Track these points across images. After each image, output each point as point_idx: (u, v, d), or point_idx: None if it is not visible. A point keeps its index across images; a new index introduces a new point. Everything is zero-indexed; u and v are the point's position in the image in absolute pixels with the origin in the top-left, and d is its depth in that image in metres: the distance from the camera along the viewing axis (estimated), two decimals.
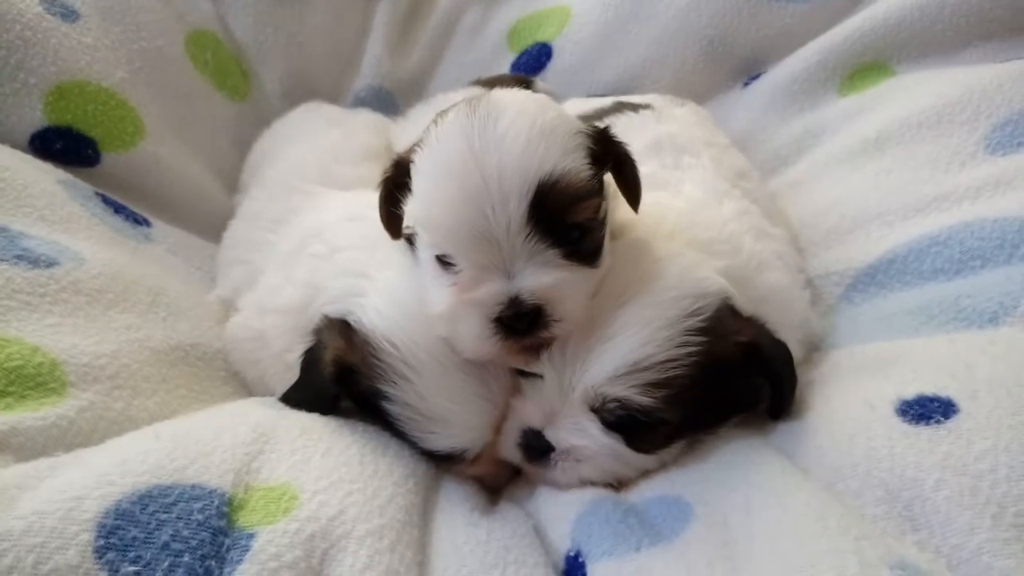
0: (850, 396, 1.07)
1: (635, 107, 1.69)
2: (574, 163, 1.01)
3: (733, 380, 1.08)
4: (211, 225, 1.70)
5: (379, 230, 1.18)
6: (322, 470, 0.99)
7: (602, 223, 1.07)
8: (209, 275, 1.56)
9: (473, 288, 0.99)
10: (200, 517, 0.87)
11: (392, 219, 1.15)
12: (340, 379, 1.11)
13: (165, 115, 1.68)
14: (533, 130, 0.99)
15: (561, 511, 1.06)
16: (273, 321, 1.28)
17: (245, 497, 0.93)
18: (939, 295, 1.25)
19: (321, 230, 1.30)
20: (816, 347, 1.32)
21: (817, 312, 1.39)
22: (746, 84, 1.97)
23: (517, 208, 0.96)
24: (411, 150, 1.09)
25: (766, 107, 1.88)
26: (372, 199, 1.18)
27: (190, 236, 1.63)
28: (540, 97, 1.11)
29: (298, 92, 1.99)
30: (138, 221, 1.52)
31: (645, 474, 1.11)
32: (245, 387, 1.35)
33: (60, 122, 1.49)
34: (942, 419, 0.96)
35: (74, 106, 1.51)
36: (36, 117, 1.47)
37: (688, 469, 1.06)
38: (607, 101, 1.76)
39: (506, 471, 1.19)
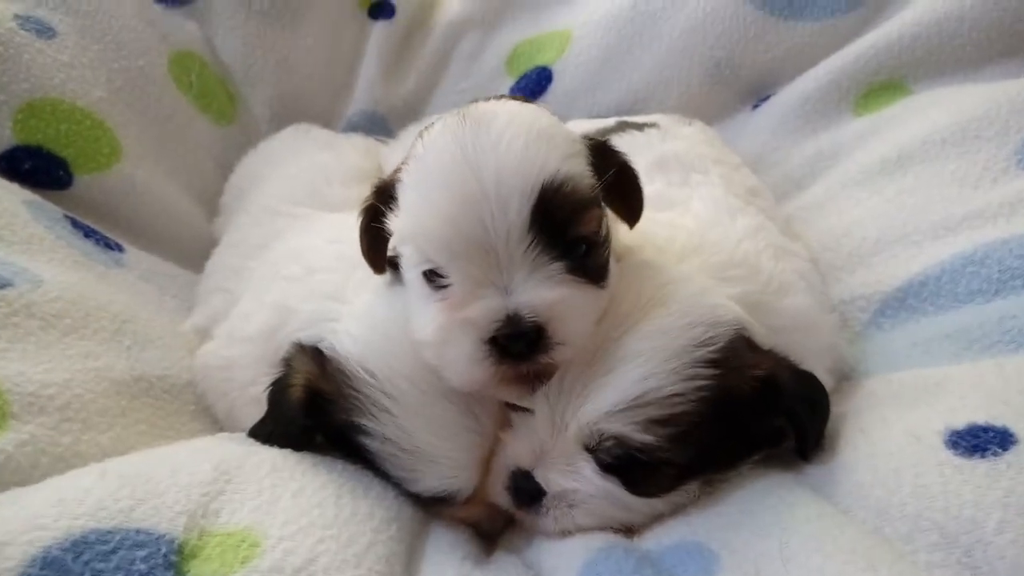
0: (891, 427, 0.95)
1: (639, 126, 1.61)
2: (577, 168, 0.92)
3: (748, 418, 0.96)
4: (190, 252, 1.60)
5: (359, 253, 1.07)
6: (291, 513, 0.87)
7: (606, 240, 0.97)
8: (185, 304, 1.45)
9: (466, 305, 0.88)
10: (143, 567, 0.75)
11: (374, 250, 1.05)
12: (311, 409, 1.00)
13: (144, 137, 1.59)
14: (531, 133, 0.90)
15: (565, 561, 0.93)
16: (240, 350, 1.17)
17: (199, 544, 0.80)
18: (979, 317, 1.14)
19: (300, 252, 1.20)
20: (846, 376, 1.20)
21: (844, 339, 1.28)
22: (755, 107, 1.89)
23: (519, 214, 0.86)
24: (395, 171, 0.99)
25: (776, 129, 1.79)
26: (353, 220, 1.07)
27: (166, 263, 1.53)
28: (531, 105, 1.02)
29: (288, 116, 1.90)
30: (109, 246, 1.42)
31: (659, 518, 0.98)
32: (217, 423, 1.22)
33: (29, 141, 1.40)
34: (999, 451, 0.85)
35: (45, 125, 1.42)
36: (4, 135, 1.38)
37: (710, 512, 0.93)
38: (610, 121, 1.68)
39: (501, 515, 1.06)
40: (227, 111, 1.85)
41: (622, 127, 1.61)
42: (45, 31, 1.49)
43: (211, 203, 1.73)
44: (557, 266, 0.89)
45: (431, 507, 1.04)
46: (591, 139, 1.01)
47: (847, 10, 1.82)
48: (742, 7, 1.86)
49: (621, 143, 1.48)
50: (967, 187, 1.37)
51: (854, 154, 1.62)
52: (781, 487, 0.93)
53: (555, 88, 1.99)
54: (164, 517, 0.81)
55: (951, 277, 1.23)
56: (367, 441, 0.97)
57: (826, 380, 1.07)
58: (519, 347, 0.88)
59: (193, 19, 1.84)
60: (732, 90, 1.90)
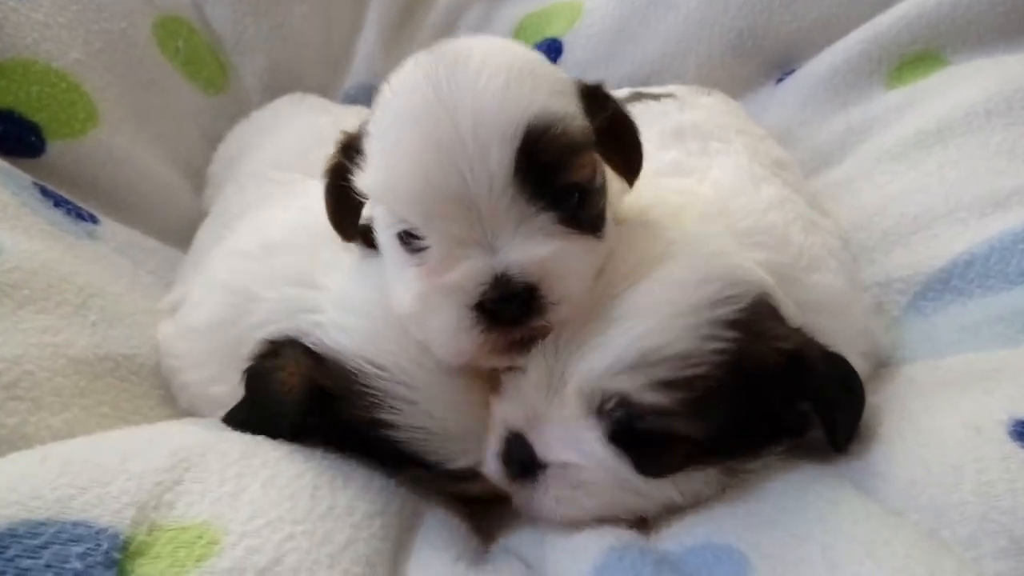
0: (943, 417, 0.83)
1: (655, 96, 1.49)
2: (566, 107, 0.81)
3: (772, 398, 0.84)
4: (173, 226, 1.49)
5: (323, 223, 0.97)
6: (259, 506, 0.76)
7: (602, 188, 0.86)
8: (163, 280, 1.34)
9: (448, 268, 0.78)
10: (78, 565, 0.65)
11: (342, 215, 0.94)
12: (311, 405, 0.89)
13: (124, 103, 1.48)
14: (512, 69, 0.79)
15: (573, 560, 0.81)
16: (190, 344, 1.05)
17: (148, 540, 0.70)
18: None
19: (260, 225, 1.09)
20: (883, 362, 1.08)
21: (880, 323, 1.16)
22: (779, 80, 1.77)
23: (500, 161, 0.75)
24: (362, 123, 0.88)
25: (804, 103, 1.67)
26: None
27: (145, 237, 1.42)
28: (512, 41, 0.91)
29: (281, 87, 1.79)
30: (82, 216, 1.31)
31: (679, 513, 0.86)
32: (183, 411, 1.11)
33: None
34: None
35: (16, 87, 1.32)
36: None
37: (739, 509, 0.81)
38: (623, 92, 1.56)
39: None
40: (217, 80, 1.74)
41: (636, 97, 1.49)
42: None
43: (197, 175, 1.62)
44: (547, 217, 0.79)
45: (459, 485, 0.95)
46: (582, 81, 0.89)
47: None
48: None
49: (634, 111, 1.40)
50: (1016, 159, 1.26)
51: (888, 128, 1.50)
52: (819, 482, 0.80)
53: (565, 61, 1.87)
54: (108, 508, 0.70)
55: (1001, 256, 1.12)
56: (392, 433, 0.88)
57: (860, 365, 0.95)
58: (510, 311, 0.78)
59: None
60: (755, 62, 1.78)
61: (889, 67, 1.61)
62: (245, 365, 0.93)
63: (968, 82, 1.45)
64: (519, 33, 1.96)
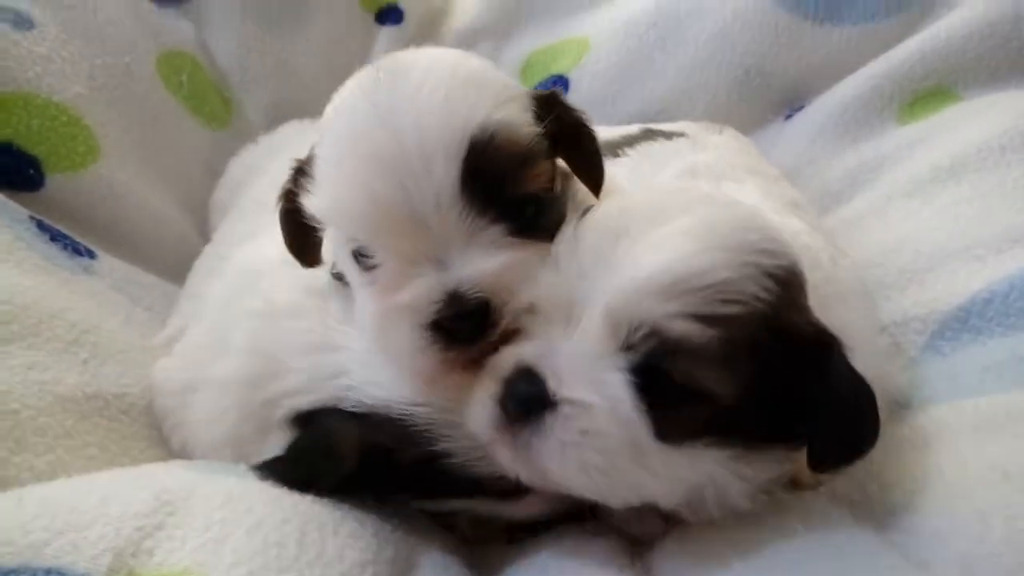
0: (969, 462, 0.79)
1: (667, 135, 1.47)
2: (512, 115, 0.79)
3: (792, 377, 0.76)
4: (174, 262, 1.47)
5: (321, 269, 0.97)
6: (243, 553, 0.72)
7: (562, 198, 0.85)
8: (160, 317, 1.31)
9: (399, 287, 0.77)
10: None
11: (299, 242, 0.93)
12: (367, 467, 0.87)
13: (126, 137, 1.47)
14: (455, 79, 0.78)
15: None
16: (209, 399, 1.01)
17: None
18: None
19: (257, 276, 1.05)
20: (901, 404, 1.04)
21: (897, 367, 1.12)
22: (788, 117, 1.75)
23: (445, 175, 0.74)
24: (312, 147, 0.87)
25: (813, 139, 1.65)
26: None
27: (144, 273, 1.40)
28: (457, 51, 0.90)
29: (286, 122, 1.78)
30: (79, 251, 1.29)
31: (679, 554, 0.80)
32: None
33: None
34: None
35: (16, 120, 1.31)
36: None
37: (749, 555, 0.76)
38: (633, 128, 1.54)
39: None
40: (221, 115, 1.74)
41: (649, 135, 1.47)
42: (23, 22, 1.38)
43: (199, 210, 1.61)
44: (497, 229, 0.77)
45: (525, 495, 0.90)
46: (535, 91, 0.88)
47: (888, 14, 1.68)
48: (773, 11, 1.73)
49: (648, 153, 1.38)
50: None
51: (901, 164, 1.47)
52: (838, 532, 0.76)
53: (571, 97, 1.83)
54: (84, 555, 0.66)
55: (1021, 293, 1.07)
56: (451, 462, 0.85)
57: None
58: (466, 329, 0.76)
59: (188, 19, 1.74)
60: (763, 100, 1.76)
61: (901, 103, 1.59)
62: (279, 432, 0.93)
63: (981, 117, 1.42)
64: (526, 70, 1.96)
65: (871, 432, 0.77)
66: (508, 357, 0.78)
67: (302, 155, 1.08)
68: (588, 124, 0.90)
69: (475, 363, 0.79)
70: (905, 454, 0.84)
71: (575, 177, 0.92)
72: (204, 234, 1.57)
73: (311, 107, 1.84)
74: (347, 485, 0.88)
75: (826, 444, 0.77)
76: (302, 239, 0.92)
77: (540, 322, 0.78)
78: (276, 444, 0.93)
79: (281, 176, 1.36)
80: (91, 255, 1.32)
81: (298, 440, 0.91)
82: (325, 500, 0.86)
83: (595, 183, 0.91)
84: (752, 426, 0.78)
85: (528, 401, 0.75)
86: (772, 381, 0.75)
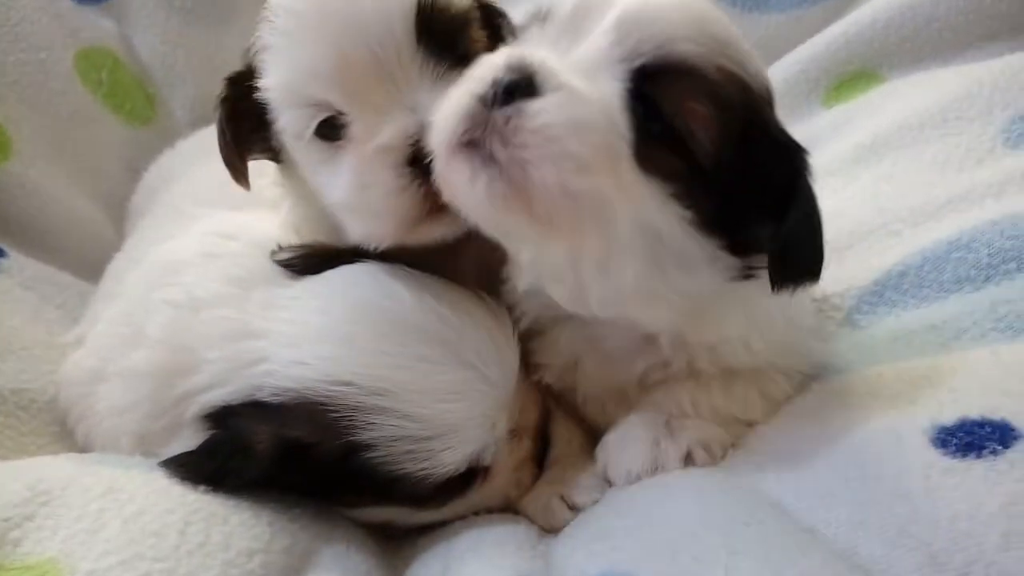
0: (867, 427, 0.78)
1: None
2: None
3: (769, 177, 0.76)
4: (91, 261, 1.41)
5: (246, 259, 0.97)
6: (116, 543, 0.69)
7: None
8: (72, 315, 1.27)
9: (375, 135, 0.84)
10: None
11: (236, 154, 0.97)
12: (285, 464, 0.84)
13: (41, 135, 1.44)
14: None
15: None
16: (118, 390, 0.97)
17: None
18: (968, 305, 0.98)
19: (177, 268, 1.02)
20: (813, 376, 1.03)
21: (815, 346, 1.11)
22: None
23: (404, 30, 0.84)
24: (248, 48, 0.93)
25: None
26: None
27: (58, 272, 1.35)
28: None
29: (212, 119, 1.74)
30: None
31: (582, 535, 0.79)
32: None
33: None
34: (999, 448, 0.68)
35: None
36: None
37: (643, 532, 0.74)
38: None
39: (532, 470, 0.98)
40: (143, 112, 1.70)
41: None
42: None
43: (119, 208, 1.56)
44: (457, 74, 0.81)
45: (449, 502, 0.92)
46: None
47: (815, 0, 1.70)
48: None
49: None
50: (950, 170, 1.23)
51: (827, 145, 1.48)
52: (729, 497, 0.75)
53: None
54: None
55: (934, 265, 1.08)
56: (373, 455, 0.83)
57: (781, 384, 0.93)
58: None
59: (110, 16, 1.70)
60: None
61: (827, 86, 1.60)
62: (190, 431, 0.89)
63: (904, 97, 1.44)
64: None
65: (822, 255, 0.79)
66: (498, 57, 0.74)
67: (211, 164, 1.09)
68: (507, 16, 0.99)
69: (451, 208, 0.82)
70: (802, 423, 0.84)
71: None
72: (123, 233, 1.53)
73: None
74: (261, 484, 0.85)
75: (789, 254, 0.76)
76: (236, 149, 0.97)
77: (548, 31, 0.78)
78: (185, 442, 0.90)
79: (197, 183, 1.35)
80: (1, 254, 1.28)
81: (210, 438, 0.87)
82: (225, 493, 0.83)
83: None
84: (717, 203, 0.75)
85: (515, 89, 0.70)
86: (750, 160, 0.75)
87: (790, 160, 0.78)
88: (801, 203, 0.76)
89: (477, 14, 0.92)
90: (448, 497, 0.91)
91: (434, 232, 0.88)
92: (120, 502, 0.75)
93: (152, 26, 1.72)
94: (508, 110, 0.70)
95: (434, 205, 0.84)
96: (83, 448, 1.01)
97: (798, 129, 1.56)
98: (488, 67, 0.73)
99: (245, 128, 0.96)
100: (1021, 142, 1.19)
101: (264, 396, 0.85)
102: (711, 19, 0.77)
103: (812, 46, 1.63)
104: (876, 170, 1.32)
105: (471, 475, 0.91)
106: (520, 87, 0.70)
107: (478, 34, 0.91)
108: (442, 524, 0.95)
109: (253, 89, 0.91)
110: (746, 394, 0.93)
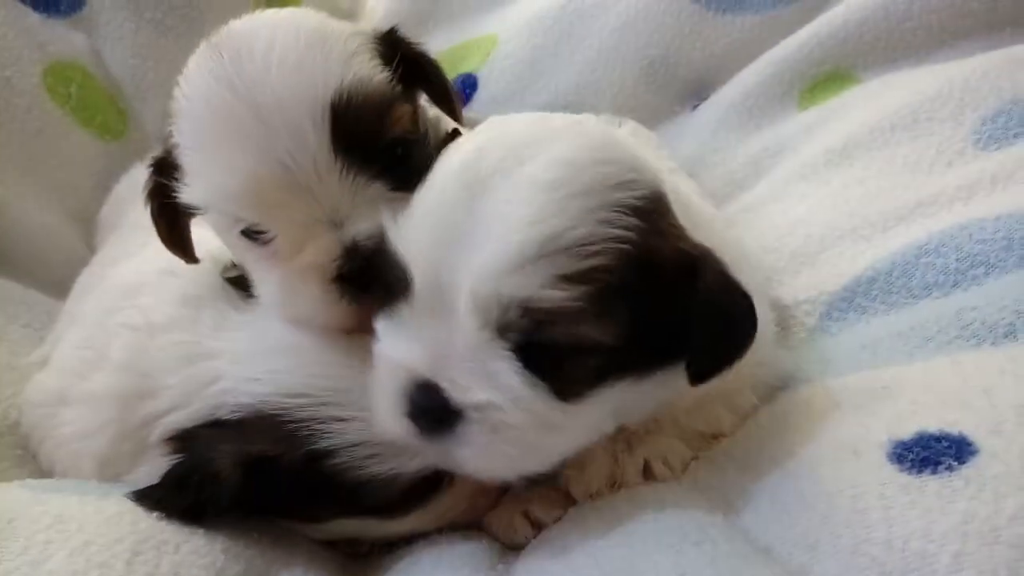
0: (826, 442, 0.78)
1: None
2: (364, 68, 0.82)
3: (668, 303, 0.75)
4: (63, 278, 1.38)
5: (205, 275, 0.97)
6: (60, 574, 0.68)
7: (426, 137, 0.90)
8: (39, 334, 1.25)
9: (298, 251, 0.81)
10: None
11: (176, 235, 0.93)
12: (251, 482, 0.83)
13: (8, 152, 1.43)
14: (300, 45, 0.80)
15: None
16: (81, 414, 0.96)
17: None
18: (935, 312, 0.97)
19: (136, 289, 1.02)
20: (778, 388, 1.02)
21: (785, 349, 1.10)
22: (695, 107, 1.74)
23: (318, 141, 0.77)
24: (166, 137, 0.88)
25: (717, 128, 1.64)
26: None
27: (26, 290, 1.34)
28: (290, 10, 0.91)
29: None
30: None
31: (536, 553, 0.78)
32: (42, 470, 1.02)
33: None
34: (955, 464, 0.68)
35: None
36: None
37: (598, 551, 0.73)
38: None
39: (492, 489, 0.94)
40: (114, 126, 1.67)
41: None
42: None
43: (90, 224, 1.55)
44: (379, 185, 0.81)
45: (415, 509, 0.90)
46: (373, 29, 0.91)
47: (789, 1, 1.68)
48: (676, 2, 1.72)
49: None
50: (920, 172, 1.22)
51: (799, 149, 1.47)
52: (684, 517, 0.73)
53: (480, 95, 1.84)
54: None
55: (903, 271, 1.07)
56: (334, 462, 0.83)
57: (747, 397, 0.93)
58: (370, 277, 0.80)
59: (79, 29, 1.68)
60: (670, 91, 1.74)
61: (801, 88, 1.59)
62: (155, 454, 0.89)
63: (876, 98, 1.42)
64: None
65: (745, 335, 0.77)
66: (397, 363, 0.75)
67: None
68: (427, 54, 0.94)
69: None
70: (765, 435, 0.83)
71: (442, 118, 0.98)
72: (93, 249, 1.52)
73: None
74: (235, 508, 0.84)
75: (700, 354, 0.76)
76: (178, 233, 0.94)
77: (414, 309, 0.75)
78: (151, 467, 0.90)
79: None
80: None
81: (175, 467, 0.86)
82: (179, 521, 0.82)
83: (451, 109, 0.97)
84: (644, 354, 0.76)
85: (434, 413, 0.74)
86: (650, 311, 0.74)
87: (688, 272, 0.75)
88: (703, 313, 0.75)
89: (395, 88, 0.85)
90: (414, 503, 0.90)
91: (366, 330, 0.83)
92: (67, 532, 0.74)
93: (122, 39, 1.70)
94: (441, 435, 0.75)
95: (367, 313, 0.81)
96: (46, 471, 1.00)
97: (771, 133, 1.57)
98: (397, 393, 0.75)
99: (183, 215, 0.91)
100: (991, 143, 1.18)
101: (224, 414, 0.85)
102: (560, 230, 0.69)
103: (785, 48, 1.61)
104: (847, 174, 1.31)
105: (437, 479, 0.89)
106: (438, 411, 0.73)
107: (401, 112, 0.85)
108: (407, 543, 0.94)
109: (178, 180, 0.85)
110: (712, 409, 0.92)
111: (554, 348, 0.72)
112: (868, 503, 0.67)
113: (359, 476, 0.83)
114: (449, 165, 0.75)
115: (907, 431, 0.73)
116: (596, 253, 0.70)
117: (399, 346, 0.75)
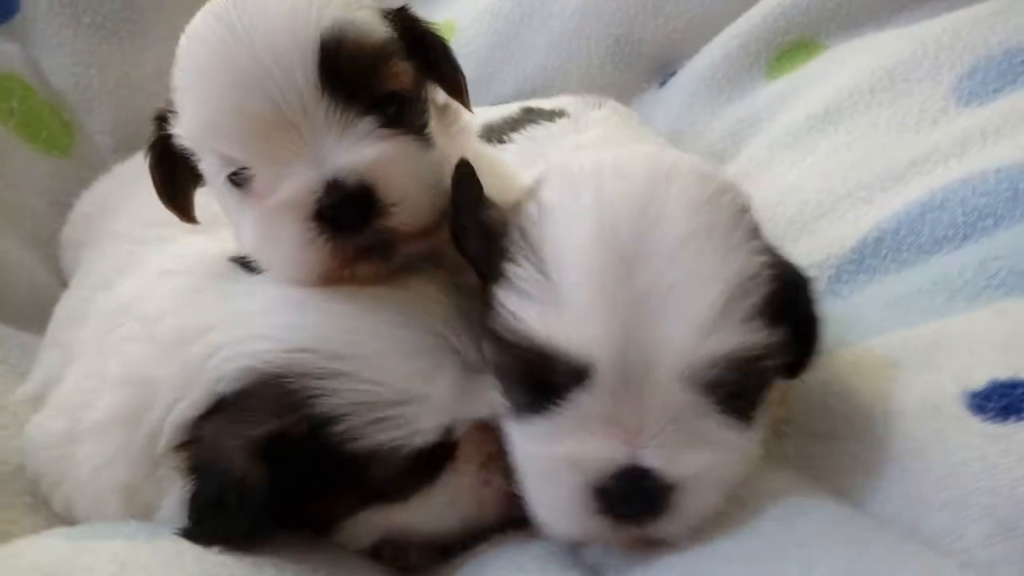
0: (898, 401, 0.78)
1: (548, 115, 1.43)
2: (362, 17, 0.83)
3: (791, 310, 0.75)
4: (26, 307, 1.31)
5: (201, 274, 0.92)
6: None
7: (424, 104, 0.88)
8: (18, 370, 1.16)
9: (276, 189, 0.79)
10: None
11: (172, 189, 0.94)
12: (269, 462, 0.77)
13: None
14: None
15: None
16: (92, 447, 0.90)
17: None
18: (955, 265, 0.99)
19: (132, 302, 0.95)
20: None
21: None
22: (662, 83, 1.75)
23: (305, 75, 0.77)
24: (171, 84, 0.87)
25: (689, 102, 1.65)
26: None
27: None
28: None
29: (136, 144, 1.56)
30: None
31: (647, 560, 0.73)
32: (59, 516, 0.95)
33: None
34: None
35: None
36: None
37: (718, 545, 0.68)
38: (513, 107, 1.50)
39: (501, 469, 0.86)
40: (61, 140, 1.56)
41: (529, 115, 1.44)
42: None
43: (49, 245, 1.44)
44: (368, 121, 0.80)
45: (418, 490, 0.84)
46: (384, 6, 0.90)
47: None
48: None
49: (532, 137, 1.35)
50: (907, 132, 1.25)
51: (776, 118, 1.49)
52: (789, 491, 0.72)
53: None
54: None
55: (910, 228, 1.09)
56: (336, 430, 0.77)
57: None
58: (350, 215, 0.78)
59: (12, 39, 1.56)
60: (636, 68, 1.76)
61: (768, 58, 1.62)
62: (167, 460, 0.83)
63: (849, 63, 1.45)
64: None
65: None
66: (580, 455, 0.68)
67: None
68: (437, 34, 0.93)
69: (360, 256, 0.81)
70: (832, 402, 0.83)
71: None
72: (56, 272, 1.42)
73: None
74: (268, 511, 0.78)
75: (808, 348, 0.78)
76: (173, 187, 0.94)
77: (594, 393, 0.67)
78: (170, 482, 0.83)
79: (148, 205, 1.24)
80: None
81: (196, 489, 0.79)
82: (234, 553, 0.76)
83: (456, 88, 0.94)
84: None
85: (643, 497, 0.67)
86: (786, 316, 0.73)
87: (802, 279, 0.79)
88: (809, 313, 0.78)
89: (397, 46, 0.85)
90: (416, 482, 0.85)
91: (361, 275, 0.83)
92: None
93: (61, 46, 1.58)
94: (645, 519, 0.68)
95: (346, 257, 0.80)
96: (63, 516, 0.93)
97: (744, 104, 1.59)
98: (584, 490, 0.68)
99: (179, 167, 0.91)
100: (973, 99, 1.22)
101: (224, 388, 0.80)
102: (734, 290, 0.67)
103: (749, 19, 1.64)
104: (833, 139, 1.33)
105: (441, 456, 0.84)
106: (653, 494, 0.67)
107: (399, 67, 0.84)
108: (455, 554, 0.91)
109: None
110: None
111: (749, 387, 0.71)
112: (964, 456, 0.68)
113: (363, 447, 0.78)
114: (578, 243, 0.69)
115: (978, 381, 0.74)
116: (760, 283, 0.69)
117: (581, 440, 0.67)
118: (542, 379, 0.68)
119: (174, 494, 0.83)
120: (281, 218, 0.79)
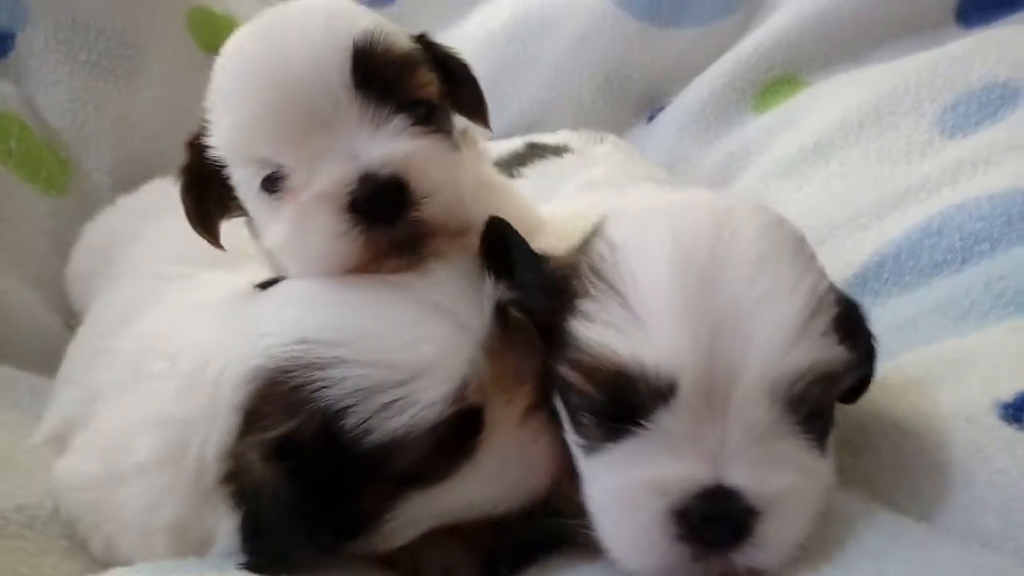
0: (932, 414, 0.83)
1: (554, 150, 1.48)
2: (390, 29, 0.88)
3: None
4: (32, 349, 1.28)
5: (221, 300, 0.95)
6: None
7: (448, 116, 0.92)
8: (31, 414, 1.13)
9: (311, 183, 0.81)
10: None
11: (205, 216, 0.96)
12: (292, 463, 0.76)
13: None
14: (333, 3, 0.89)
15: None
16: (137, 488, 0.88)
17: None
18: (959, 286, 1.05)
19: (157, 337, 0.96)
20: None
21: None
22: (651, 119, 1.82)
23: (340, 77, 0.81)
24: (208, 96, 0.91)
25: (679, 137, 1.72)
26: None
27: (1, 367, 1.21)
28: None
29: (134, 182, 1.56)
30: None
31: None
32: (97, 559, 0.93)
33: None
34: None
35: None
36: None
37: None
38: (517, 143, 1.54)
39: (544, 418, 0.85)
40: (58, 179, 1.53)
41: (534, 150, 1.48)
42: None
43: (52, 285, 1.41)
44: (400, 119, 0.83)
45: (459, 468, 0.80)
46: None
47: (727, 13, 1.80)
48: (621, 19, 1.81)
49: (540, 172, 1.39)
50: (898, 163, 1.33)
51: (767, 150, 1.57)
52: (849, 507, 0.76)
53: None
54: None
55: (910, 252, 1.16)
56: (349, 425, 0.75)
57: None
58: (383, 207, 0.80)
59: (7, 78, 1.54)
60: (625, 104, 1.83)
61: (754, 93, 1.70)
62: (217, 492, 0.81)
63: (833, 97, 1.54)
64: None
65: None
66: (656, 478, 0.66)
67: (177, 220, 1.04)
68: (459, 56, 0.98)
69: (393, 249, 0.82)
70: (867, 421, 0.87)
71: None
72: (61, 311, 1.39)
73: (159, 162, 1.68)
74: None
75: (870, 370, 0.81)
76: (203, 212, 0.96)
77: (677, 412, 0.66)
78: (223, 514, 0.82)
79: (169, 240, 1.24)
80: None
81: (242, 516, 0.79)
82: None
83: (477, 107, 0.98)
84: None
85: (730, 519, 0.65)
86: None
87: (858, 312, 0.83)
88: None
89: (424, 56, 0.90)
90: (449, 460, 0.81)
91: (390, 269, 0.84)
92: None
93: (56, 84, 1.56)
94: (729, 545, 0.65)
95: (379, 250, 0.82)
96: (102, 560, 0.91)
97: (733, 138, 1.66)
98: (671, 514, 0.65)
99: (211, 190, 0.94)
100: (957, 132, 1.30)
101: (241, 398, 0.79)
102: (811, 296, 0.68)
103: (734, 57, 1.72)
104: (826, 170, 1.40)
105: (468, 424, 0.80)
106: (739, 517, 0.64)
107: (426, 77, 0.88)
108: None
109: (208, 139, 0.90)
110: None
111: (827, 406, 0.72)
112: (1003, 464, 0.73)
113: (379, 439, 0.75)
114: (656, 269, 0.70)
115: (1006, 393, 0.79)
116: (831, 298, 0.70)
117: (662, 462, 0.66)
118: (624, 402, 0.68)
119: (227, 525, 0.82)
120: (315, 210, 0.81)
